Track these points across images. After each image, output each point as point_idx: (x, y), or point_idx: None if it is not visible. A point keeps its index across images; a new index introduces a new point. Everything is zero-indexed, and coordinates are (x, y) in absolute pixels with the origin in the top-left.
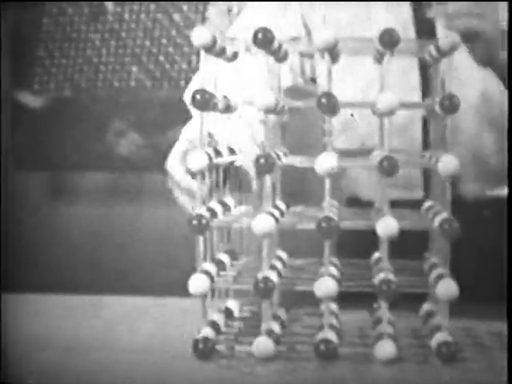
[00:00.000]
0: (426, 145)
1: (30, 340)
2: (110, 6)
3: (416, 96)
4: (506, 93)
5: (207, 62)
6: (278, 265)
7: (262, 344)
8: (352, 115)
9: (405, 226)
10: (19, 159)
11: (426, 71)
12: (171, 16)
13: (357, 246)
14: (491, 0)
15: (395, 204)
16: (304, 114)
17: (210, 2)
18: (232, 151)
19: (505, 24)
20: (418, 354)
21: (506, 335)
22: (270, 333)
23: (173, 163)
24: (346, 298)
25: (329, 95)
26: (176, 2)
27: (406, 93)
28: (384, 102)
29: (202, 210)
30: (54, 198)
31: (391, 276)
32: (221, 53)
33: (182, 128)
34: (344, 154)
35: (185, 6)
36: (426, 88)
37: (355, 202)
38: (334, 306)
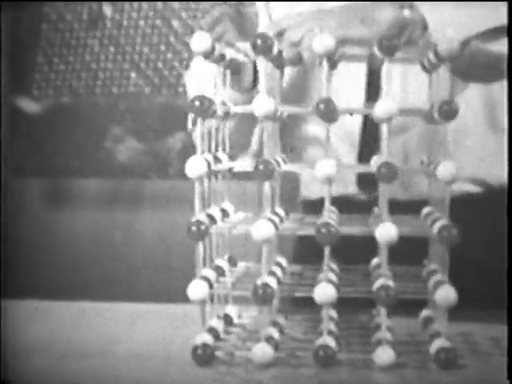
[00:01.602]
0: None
1: (29, 346)
2: (108, 12)
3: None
4: None
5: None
6: (277, 271)
7: (261, 350)
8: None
9: (404, 232)
10: (18, 165)
11: (373, 77)
12: (170, 22)
13: (356, 251)
14: (491, 0)
15: (394, 209)
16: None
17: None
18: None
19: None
20: (417, 359)
21: (506, 341)
22: (269, 339)
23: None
24: (345, 304)
25: (327, 101)
26: (175, 9)
27: (351, 98)
28: (383, 109)
29: (201, 216)
30: (53, 205)
31: (390, 282)
32: (220, 59)
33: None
34: None
35: (183, 13)
36: (372, 94)
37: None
38: (332, 312)
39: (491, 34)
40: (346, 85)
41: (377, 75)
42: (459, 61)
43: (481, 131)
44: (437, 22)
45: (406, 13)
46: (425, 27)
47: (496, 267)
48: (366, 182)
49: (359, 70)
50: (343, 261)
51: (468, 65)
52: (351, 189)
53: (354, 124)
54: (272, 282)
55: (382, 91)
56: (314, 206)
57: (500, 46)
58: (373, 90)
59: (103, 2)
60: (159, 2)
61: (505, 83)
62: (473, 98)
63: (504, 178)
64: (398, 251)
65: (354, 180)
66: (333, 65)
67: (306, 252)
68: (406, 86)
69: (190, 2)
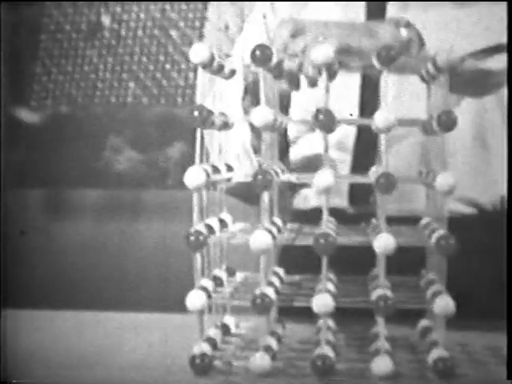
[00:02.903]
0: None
1: (28, 355)
2: (107, 22)
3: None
4: None
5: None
6: (276, 281)
7: (259, 360)
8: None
9: (402, 243)
10: (16, 175)
11: (367, 88)
12: (168, 32)
13: (354, 262)
14: (491, 0)
15: (392, 220)
16: None
17: (207, 19)
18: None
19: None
20: (415, 369)
21: (504, 349)
22: (267, 348)
23: None
24: (343, 314)
25: (326, 112)
26: (173, 19)
27: (344, 110)
28: (381, 119)
29: (200, 227)
30: (52, 215)
31: (388, 292)
32: (218, 70)
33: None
34: None
35: (182, 23)
36: (367, 105)
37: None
38: (330, 322)
39: (485, 52)
40: (339, 95)
41: (371, 86)
42: (454, 77)
43: (470, 150)
44: (433, 25)
45: (404, 32)
46: (421, 44)
47: (493, 276)
48: (358, 195)
49: (353, 81)
50: (341, 271)
51: (462, 81)
52: (341, 201)
53: (348, 135)
54: (270, 292)
55: (379, 102)
56: (306, 216)
57: (494, 64)
58: (367, 101)
59: (101, 13)
60: (157, 13)
61: (494, 101)
62: (462, 116)
63: (496, 199)
64: (395, 261)
65: (345, 193)
66: (332, 75)
67: (304, 262)
68: (401, 96)
69: (188, 13)
